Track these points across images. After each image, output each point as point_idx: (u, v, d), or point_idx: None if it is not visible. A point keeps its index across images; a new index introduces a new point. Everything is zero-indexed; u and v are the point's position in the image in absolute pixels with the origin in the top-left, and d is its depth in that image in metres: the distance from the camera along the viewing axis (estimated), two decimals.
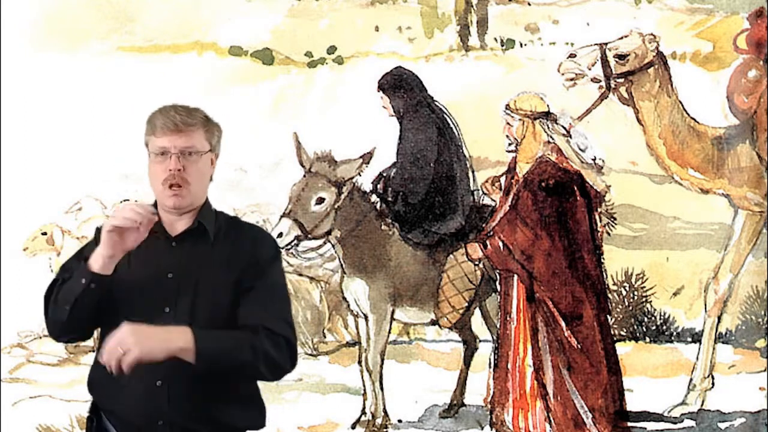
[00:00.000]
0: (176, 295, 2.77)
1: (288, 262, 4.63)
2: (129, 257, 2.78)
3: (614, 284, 4.71)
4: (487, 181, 4.71)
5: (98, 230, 2.88)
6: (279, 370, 2.82)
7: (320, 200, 4.59)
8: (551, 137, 4.58)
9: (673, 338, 4.76)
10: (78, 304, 2.72)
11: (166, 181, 2.78)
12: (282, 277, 2.94)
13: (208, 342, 2.67)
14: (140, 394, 2.74)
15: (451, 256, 4.68)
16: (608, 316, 4.59)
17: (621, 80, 4.69)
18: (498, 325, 4.61)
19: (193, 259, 2.82)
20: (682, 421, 4.67)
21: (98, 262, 2.70)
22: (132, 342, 2.58)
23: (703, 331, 4.73)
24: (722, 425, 4.67)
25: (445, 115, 4.72)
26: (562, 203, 4.53)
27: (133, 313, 2.70)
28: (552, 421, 4.48)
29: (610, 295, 4.65)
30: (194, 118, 2.83)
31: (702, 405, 4.69)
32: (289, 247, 4.55)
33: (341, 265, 4.69)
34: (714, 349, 4.71)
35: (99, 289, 2.70)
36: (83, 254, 2.86)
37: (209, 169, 2.88)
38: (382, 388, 4.65)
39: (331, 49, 4.75)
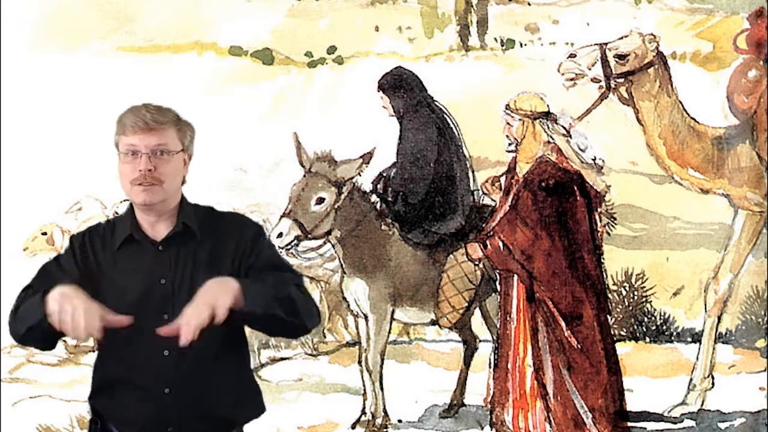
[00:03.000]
0: (173, 300, 2.73)
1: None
2: (116, 267, 2.77)
3: (614, 284, 4.71)
4: (487, 181, 4.71)
5: (72, 238, 2.86)
6: (315, 319, 2.79)
7: (320, 200, 4.59)
8: (551, 137, 4.58)
9: (673, 338, 4.77)
10: (33, 330, 2.67)
11: (135, 180, 2.72)
12: (277, 253, 2.94)
13: (250, 285, 2.63)
14: (149, 403, 2.74)
15: (451, 256, 4.68)
16: (608, 316, 4.59)
17: (621, 80, 4.69)
18: (498, 325, 4.61)
19: (182, 263, 2.78)
20: (682, 421, 4.67)
21: (53, 315, 2.58)
22: (216, 304, 2.53)
23: (703, 331, 4.73)
24: (722, 425, 4.67)
25: (445, 115, 4.72)
26: (562, 203, 4.53)
27: (132, 322, 2.69)
28: (552, 421, 4.48)
29: (610, 295, 4.65)
30: (165, 116, 2.77)
31: (702, 405, 4.69)
32: (289, 247, 4.55)
33: (341, 265, 4.69)
34: (714, 349, 4.71)
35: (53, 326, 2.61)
36: (60, 264, 2.82)
37: (182, 168, 2.81)
38: (382, 388, 4.65)
39: (331, 49, 4.76)
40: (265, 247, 2.89)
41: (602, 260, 4.60)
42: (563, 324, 4.48)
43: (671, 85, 4.70)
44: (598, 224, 4.59)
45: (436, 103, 4.72)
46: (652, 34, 4.70)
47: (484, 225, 4.65)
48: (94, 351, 2.92)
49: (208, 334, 2.68)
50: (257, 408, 2.92)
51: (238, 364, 2.88)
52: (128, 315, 2.67)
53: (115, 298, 2.72)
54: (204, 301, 2.55)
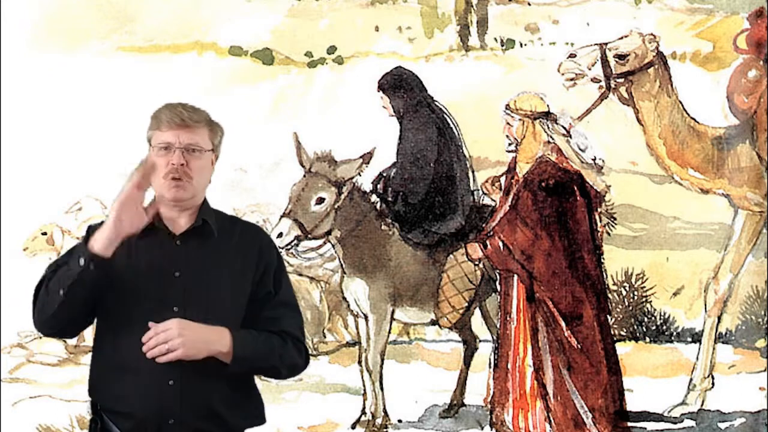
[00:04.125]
0: (184, 294, 2.77)
1: (288, 262, 4.62)
2: (131, 256, 2.79)
3: (614, 284, 4.70)
4: (487, 181, 4.71)
5: (89, 229, 2.88)
6: (297, 372, 3.00)
7: (320, 200, 4.59)
8: (551, 137, 4.59)
9: (673, 338, 4.76)
10: (74, 287, 2.69)
11: (167, 174, 2.79)
12: (289, 280, 3.04)
13: (245, 346, 2.77)
14: (152, 394, 2.74)
15: (451, 256, 4.68)
16: (608, 316, 4.59)
17: (621, 80, 4.69)
18: (498, 325, 4.61)
19: (199, 258, 2.83)
20: (682, 421, 4.67)
21: (99, 242, 2.68)
22: (180, 342, 2.66)
23: (703, 331, 4.73)
24: (722, 425, 4.67)
25: (445, 115, 4.72)
26: (562, 203, 4.53)
27: (141, 312, 2.71)
28: (552, 421, 4.48)
29: (610, 295, 4.65)
30: (200, 115, 2.87)
31: (702, 405, 4.69)
32: (289, 247, 4.55)
33: (341, 265, 4.69)
34: (714, 349, 4.71)
35: (97, 272, 2.67)
36: (74, 252, 2.84)
37: (210, 168, 2.90)
38: (382, 388, 4.65)
39: (331, 49, 4.75)
40: (286, 283, 2.99)
41: (602, 260, 4.60)
42: (563, 324, 4.48)
43: (671, 85, 4.70)
44: (598, 224, 4.60)
45: (436, 103, 4.72)
46: (652, 34, 4.70)
47: (484, 225, 4.65)
48: (93, 351, 2.92)
49: None
50: (258, 417, 2.93)
51: None
52: (139, 304, 2.74)
53: (129, 288, 2.76)
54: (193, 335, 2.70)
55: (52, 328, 2.86)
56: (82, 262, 2.68)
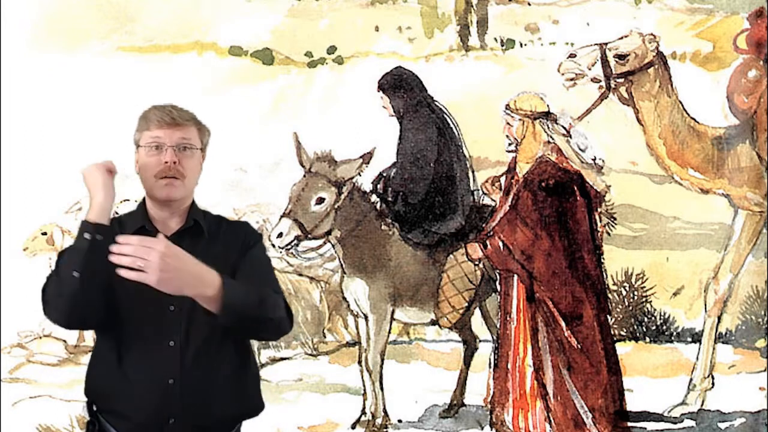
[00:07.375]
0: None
1: (288, 262, 4.63)
2: None
3: (614, 284, 4.71)
4: (487, 181, 4.71)
5: (84, 223, 2.84)
6: (284, 330, 2.86)
7: (320, 200, 4.59)
8: (551, 137, 4.59)
9: (673, 338, 4.77)
10: (88, 263, 2.63)
11: (160, 173, 2.79)
12: (267, 257, 3.00)
13: (235, 292, 2.65)
14: (152, 394, 2.75)
15: (451, 256, 4.68)
16: (608, 316, 4.59)
17: (621, 80, 4.69)
18: (498, 325, 4.61)
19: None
20: (682, 421, 4.67)
21: (94, 212, 2.67)
22: (156, 266, 2.47)
23: (703, 331, 4.73)
24: (722, 425, 4.67)
25: (445, 115, 4.72)
26: (562, 203, 4.53)
27: (137, 312, 2.71)
28: (552, 421, 4.48)
29: (610, 295, 4.65)
30: (188, 115, 2.89)
31: (702, 405, 4.70)
32: (289, 247, 4.55)
33: (341, 265, 4.69)
34: (714, 349, 4.71)
35: (105, 241, 2.57)
36: (77, 240, 2.81)
37: (200, 167, 2.92)
38: (382, 388, 4.66)
39: (331, 49, 4.76)
40: (263, 249, 2.97)
41: (602, 260, 4.60)
42: (563, 324, 4.48)
43: (671, 85, 4.70)
44: (598, 224, 4.60)
45: (436, 103, 4.73)
46: (652, 34, 4.70)
47: (484, 225, 4.66)
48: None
49: (212, 327, 2.73)
50: (256, 405, 2.93)
51: (240, 360, 2.90)
52: (133, 304, 2.73)
53: (124, 289, 2.73)
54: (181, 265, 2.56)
55: (71, 316, 2.71)
56: (88, 236, 2.63)
